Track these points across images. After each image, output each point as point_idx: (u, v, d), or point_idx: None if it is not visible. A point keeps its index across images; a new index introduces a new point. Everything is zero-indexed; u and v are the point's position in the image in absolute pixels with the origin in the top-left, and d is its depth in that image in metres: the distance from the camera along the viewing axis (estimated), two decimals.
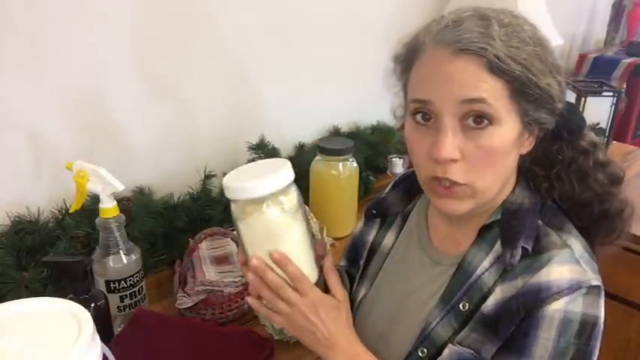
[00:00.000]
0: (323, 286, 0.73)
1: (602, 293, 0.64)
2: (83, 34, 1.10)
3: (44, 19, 1.04)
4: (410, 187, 0.84)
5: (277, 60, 1.48)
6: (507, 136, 0.63)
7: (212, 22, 1.31)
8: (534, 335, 0.62)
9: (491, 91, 0.60)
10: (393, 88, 0.73)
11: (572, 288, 0.61)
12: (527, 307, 0.62)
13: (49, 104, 1.10)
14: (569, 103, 0.70)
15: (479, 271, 0.68)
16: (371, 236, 0.86)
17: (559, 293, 0.61)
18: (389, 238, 0.84)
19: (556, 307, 0.61)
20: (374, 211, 0.87)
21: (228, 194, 0.65)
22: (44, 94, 1.08)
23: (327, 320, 0.68)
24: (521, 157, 0.70)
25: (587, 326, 0.62)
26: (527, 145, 0.68)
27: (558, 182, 0.70)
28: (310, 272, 0.69)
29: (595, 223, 0.71)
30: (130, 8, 1.15)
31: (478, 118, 0.61)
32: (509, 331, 0.63)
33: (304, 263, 0.68)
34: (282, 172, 0.65)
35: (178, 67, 1.28)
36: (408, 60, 0.68)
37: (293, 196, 0.67)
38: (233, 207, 0.67)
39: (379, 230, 0.86)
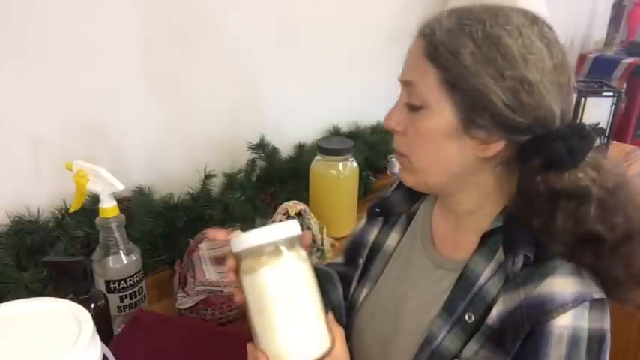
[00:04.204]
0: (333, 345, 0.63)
1: (607, 306, 0.63)
2: (84, 34, 1.10)
3: (44, 19, 1.04)
4: None
5: (277, 60, 1.48)
6: (436, 125, 0.64)
7: (212, 23, 1.31)
8: (544, 353, 0.60)
9: (423, 76, 0.64)
10: None
11: (577, 301, 0.60)
12: (531, 321, 0.61)
13: (49, 104, 1.10)
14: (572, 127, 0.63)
15: (482, 280, 0.67)
16: (372, 236, 0.85)
17: (564, 306, 0.60)
18: (392, 239, 0.82)
19: (563, 324, 0.59)
20: (377, 210, 0.85)
21: (242, 244, 0.59)
22: (44, 94, 1.08)
23: None
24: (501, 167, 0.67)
25: (595, 341, 0.61)
26: (490, 150, 0.64)
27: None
28: (326, 336, 0.61)
29: (582, 248, 0.62)
30: (131, 8, 1.15)
31: (410, 100, 0.66)
32: (515, 344, 0.62)
33: (323, 324, 0.61)
34: (292, 223, 0.61)
35: (178, 67, 1.28)
36: None
37: (304, 250, 0.63)
38: (245, 262, 0.60)
39: (381, 230, 0.85)
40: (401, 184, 0.86)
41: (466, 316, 0.66)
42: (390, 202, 0.84)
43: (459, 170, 0.68)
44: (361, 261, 0.85)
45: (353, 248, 0.89)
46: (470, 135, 0.64)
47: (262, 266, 0.59)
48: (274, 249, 0.59)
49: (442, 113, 0.64)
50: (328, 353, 0.61)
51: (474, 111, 0.62)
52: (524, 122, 0.62)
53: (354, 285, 0.85)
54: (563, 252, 0.63)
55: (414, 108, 0.66)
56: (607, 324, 0.62)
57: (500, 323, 0.63)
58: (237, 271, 0.63)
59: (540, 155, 0.62)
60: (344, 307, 0.84)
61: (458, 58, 0.61)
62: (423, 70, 0.64)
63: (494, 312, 0.64)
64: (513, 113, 0.61)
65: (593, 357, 0.61)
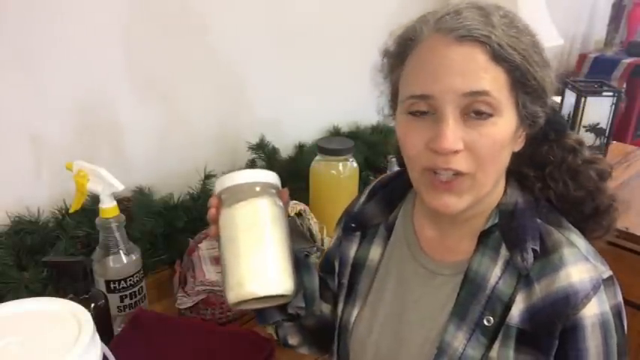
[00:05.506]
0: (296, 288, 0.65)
1: (615, 280, 0.65)
2: (83, 34, 1.10)
3: (44, 19, 1.04)
4: (390, 196, 0.79)
5: (277, 60, 1.48)
6: (507, 129, 0.62)
7: (211, 23, 1.31)
8: (585, 348, 0.62)
9: (494, 82, 0.59)
10: (380, 86, 0.72)
11: (595, 288, 0.62)
12: (561, 317, 0.62)
13: (49, 104, 1.10)
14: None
15: (492, 281, 0.65)
16: (352, 252, 0.80)
17: (587, 296, 0.62)
18: (375, 252, 0.78)
19: (591, 313, 0.62)
20: (353, 225, 0.81)
21: (223, 184, 0.66)
22: (44, 94, 1.08)
23: None
24: (511, 157, 0.68)
25: (617, 317, 0.64)
26: (520, 143, 0.67)
27: (552, 182, 0.70)
28: (288, 281, 0.63)
29: (586, 220, 0.71)
30: (130, 9, 1.15)
31: (480, 110, 0.60)
32: (551, 345, 0.63)
33: (286, 268, 0.63)
34: (273, 174, 0.68)
35: (178, 67, 1.28)
36: (402, 53, 0.65)
37: (281, 201, 0.68)
38: (224, 198, 0.66)
39: (360, 245, 0.80)
40: (373, 194, 0.82)
41: (485, 321, 0.65)
42: (365, 214, 0.80)
43: (502, 172, 0.67)
44: (345, 280, 0.80)
45: (329, 264, 0.85)
46: (522, 131, 0.66)
47: (238, 202, 0.64)
48: (251, 190, 0.65)
49: (509, 114, 0.62)
50: (286, 297, 0.63)
51: (534, 104, 0.63)
52: (549, 105, 0.66)
53: (341, 306, 0.80)
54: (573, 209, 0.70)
55: (480, 118, 0.60)
56: (619, 295, 0.65)
57: (527, 323, 0.63)
58: (218, 209, 0.67)
59: (552, 130, 0.70)
60: (317, 294, 0.80)
61: (525, 55, 0.60)
62: (492, 76, 0.59)
63: (515, 311, 0.64)
64: (550, 99, 0.65)
65: (619, 331, 0.64)
